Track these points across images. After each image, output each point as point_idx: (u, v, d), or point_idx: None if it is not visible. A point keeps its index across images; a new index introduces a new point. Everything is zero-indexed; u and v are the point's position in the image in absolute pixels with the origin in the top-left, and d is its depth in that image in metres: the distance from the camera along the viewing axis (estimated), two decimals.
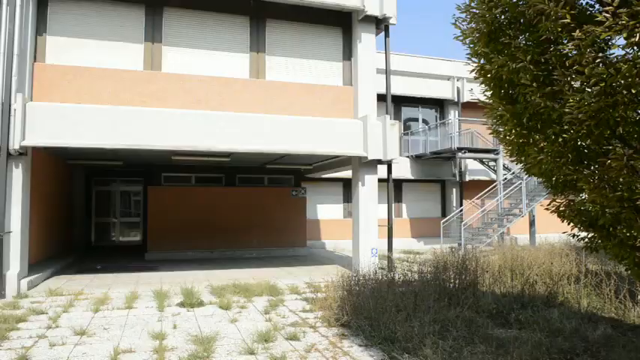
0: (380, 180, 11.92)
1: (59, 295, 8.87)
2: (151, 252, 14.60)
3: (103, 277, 11.09)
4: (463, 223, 16.56)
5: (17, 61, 9.32)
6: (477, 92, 6.12)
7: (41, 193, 11.92)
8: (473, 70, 5.14)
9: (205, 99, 10.80)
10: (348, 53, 12.15)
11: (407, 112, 20.76)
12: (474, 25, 4.98)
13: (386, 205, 12.25)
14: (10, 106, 9.14)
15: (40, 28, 10.17)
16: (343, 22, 12.16)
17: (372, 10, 11.60)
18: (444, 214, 20.42)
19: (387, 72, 12.19)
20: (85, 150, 11.12)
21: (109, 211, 19.25)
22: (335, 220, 19.08)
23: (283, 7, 11.55)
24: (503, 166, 18.26)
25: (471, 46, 5.08)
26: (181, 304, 7.95)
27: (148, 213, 15.06)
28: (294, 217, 16.16)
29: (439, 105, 21.09)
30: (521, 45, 4.51)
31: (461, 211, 18.22)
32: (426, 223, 20.29)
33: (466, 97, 19.91)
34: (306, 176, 17.39)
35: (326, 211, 19.13)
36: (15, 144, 9.16)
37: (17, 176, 9.43)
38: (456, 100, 20.48)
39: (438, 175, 20.18)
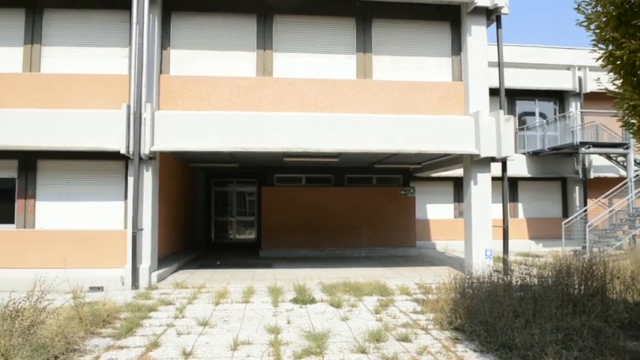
0: (493, 178, 11.39)
1: (184, 287, 9.60)
2: (265, 250, 15.26)
3: (222, 272, 11.80)
4: (588, 224, 15.27)
5: (146, 74, 10.26)
6: (604, 81, 5.61)
7: (167, 194, 12.99)
8: (600, 58, 4.74)
9: (314, 101, 11.07)
10: (457, 48, 11.77)
11: (522, 105, 19.58)
12: (600, 9, 4.59)
13: (500, 204, 11.69)
14: (141, 115, 10.07)
15: (164, 42, 11.09)
16: (451, 16, 11.80)
17: (482, 0, 11.13)
18: (565, 215, 18.98)
19: (500, 64, 11.60)
20: (205, 153, 11.91)
21: (227, 211, 20.44)
22: (445, 220, 18.54)
23: (389, 5, 11.49)
24: (635, 161, 16.55)
25: (597, 31, 4.69)
26: (294, 301, 8.21)
27: (262, 212, 15.76)
28: (403, 217, 15.99)
29: (558, 97, 19.62)
30: None
31: (585, 210, 16.82)
32: (544, 224, 19.02)
33: (589, 88, 18.36)
34: (415, 175, 17.12)
35: (436, 210, 18.66)
36: (145, 149, 10.08)
37: (147, 179, 10.37)
38: (578, 90, 18.91)
39: (558, 173, 18.79)
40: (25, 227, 10.72)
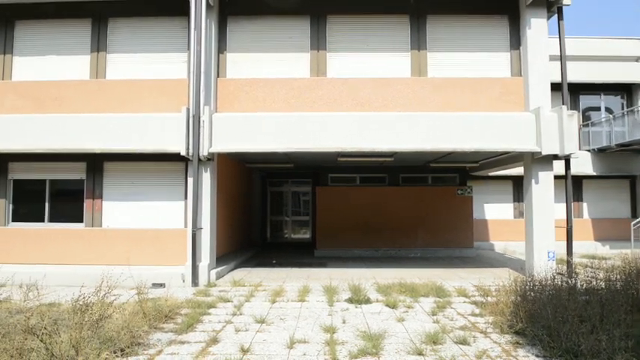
0: (556, 177, 10.94)
1: (241, 285, 9.81)
2: (320, 249, 15.34)
3: (278, 271, 11.97)
4: None
5: (204, 78, 10.55)
6: None
7: (225, 194, 13.31)
8: None
9: (368, 101, 11.03)
10: (515, 42, 11.38)
11: (586, 100, 18.66)
12: None
13: (562, 204, 11.20)
14: (199, 117, 10.38)
15: (221, 46, 11.37)
16: (509, 9, 11.42)
17: None
18: (634, 215, 17.96)
19: (562, 58, 11.11)
20: (261, 154, 12.08)
21: (282, 210, 20.70)
22: (504, 220, 17.99)
23: (444, 0, 11.27)
24: None
25: None
26: (349, 300, 8.21)
27: (317, 212, 15.85)
28: (460, 217, 15.63)
29: (625, 90, 18.55)
30: None
31: None
32: (611, 225, 18.06)
33: None
34: (472, 174, 16.71)
35: (494, 210, 18.14)
36: (204, 151, 10.38)
37: (206, 179, 10.67)
38: None
39: (626, 170, 17.77)
40: (92, 226, 11.30)
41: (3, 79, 11.43)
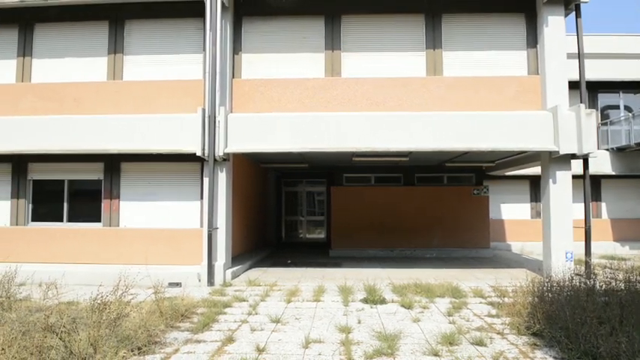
0: (574, 176, 10.79)
1: (257, 285, 9.85)
2: (335, 249, 15.33)
3: (293, 270, 11.99)
4: None
5: (219, 79, 10.61)
6: None
7: (240, 194, 13.37)
8: None
9: (383, 100, 11.00)
10: (532, 40, 11.25)
11: (604, 99, 18.35)
12: None
13: (580, 204, 11.05)
14: (215, 118, 10.44)
15: (236, 47, 11.43)
16: (526, 7, 11.30)
17: None
18: None
19: (580, 56, 10.95)
20: (276, 154, 12.13)
21: (297, 210, 20.73)
22: (521, 220, 17.79)
23: None
24: None
25: None
26: (364, 300, 8.19)
27: (331, 212, 15.85)
28: (476, 217, 15.51)
29: None
30: None
31: None
32: (631, 225, 17.76)
33: None
34: (489, 174, 16.56)
35: (511, 210, 17.95)
36: (219, 151, 10.45)
37: (221, 179, 10.73)
38: None
39: None
40: (110, 226, 11.43)
41: (22, 81, 11.62)
